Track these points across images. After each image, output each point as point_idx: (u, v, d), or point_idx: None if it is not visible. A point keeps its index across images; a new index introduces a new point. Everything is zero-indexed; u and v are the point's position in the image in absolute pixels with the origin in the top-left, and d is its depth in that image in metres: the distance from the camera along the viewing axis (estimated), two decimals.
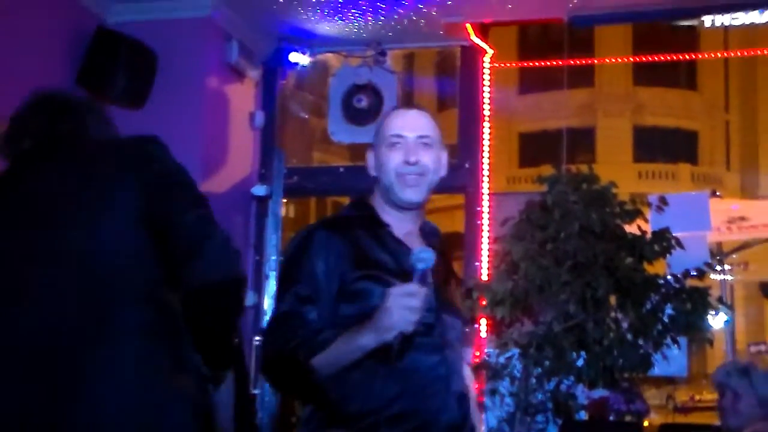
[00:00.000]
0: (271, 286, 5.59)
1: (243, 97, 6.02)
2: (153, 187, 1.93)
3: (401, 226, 2.24)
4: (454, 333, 2.20)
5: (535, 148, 23.06)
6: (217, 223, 1.95)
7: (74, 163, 1.94)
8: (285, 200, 6.12)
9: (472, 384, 2.40)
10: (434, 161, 2.24)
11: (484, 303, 4.80)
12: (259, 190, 6.00)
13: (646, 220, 4.82)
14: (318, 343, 2.02)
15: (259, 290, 5.68)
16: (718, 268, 8.23)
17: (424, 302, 1.97)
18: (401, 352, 2.01)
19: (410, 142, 2.23)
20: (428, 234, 2.28)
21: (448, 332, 2.17)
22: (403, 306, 1.95)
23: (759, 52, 10.29)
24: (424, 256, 1.99)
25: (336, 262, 2.10)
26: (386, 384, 2.04)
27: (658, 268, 4.73)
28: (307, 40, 6.05)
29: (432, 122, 2.29)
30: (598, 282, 4.42)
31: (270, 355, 2.10)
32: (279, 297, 2.14)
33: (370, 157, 2.32)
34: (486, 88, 6.08)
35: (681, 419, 11.91)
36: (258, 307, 5.65)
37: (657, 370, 4.61)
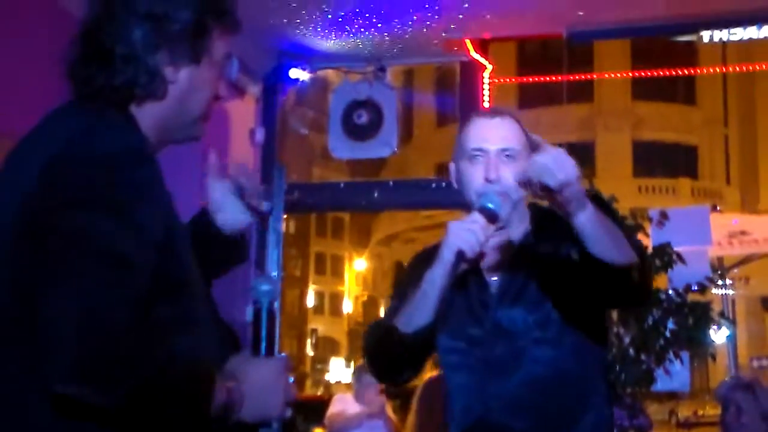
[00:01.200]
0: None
1: (243, 114, 6.03)
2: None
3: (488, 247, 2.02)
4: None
5: None
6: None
7: None
8: (285, 216, 6.12)
9: None
10: (518, 176, 1.89)
11: None
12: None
13: (647, 235, 4.81)
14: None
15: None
16: (720, 282, 8.23)
17: (485, 235, 1.90)
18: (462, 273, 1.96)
19: (492, 156, 2.03)
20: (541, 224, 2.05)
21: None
22: (462, 227, 1.90)
23: (757, 67, 10.32)
24: (493, 199, 1.93)
25: None
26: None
27: (659, 282, 4.73)
28: (307, 56, 6.07)
29: (517, 130, 2.08)
30: None
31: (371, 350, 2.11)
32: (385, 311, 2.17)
33: (451, 172, 2.15)
34: (486, 103, 6.09)
35: None
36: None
37: (659, 386, 4.60)
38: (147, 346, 1.31)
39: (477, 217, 1.91)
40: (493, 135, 2.07)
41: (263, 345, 1.59)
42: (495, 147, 2.04)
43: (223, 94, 1.70)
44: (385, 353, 2.04)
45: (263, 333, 1.60)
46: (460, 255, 1.90)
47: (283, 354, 1.62)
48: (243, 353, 1.55)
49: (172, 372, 1.33)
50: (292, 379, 1.54)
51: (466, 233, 1.89)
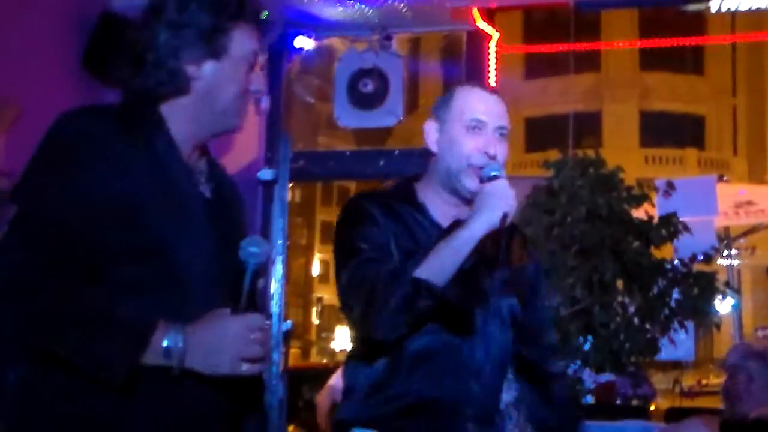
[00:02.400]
0: (278, 270, 5.60)
1: None
2: None
3: (447, 210, 2.13)
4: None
5: (541, 132, 23.04)
6: None
7: None
8: (291, 185, 6.12)
9: None
10: (505, 157, 2.09)
11: None
12: (266, 174, 6.00)
13: (653, 205, 4.81)
14: (414, 261, 1.94)
15: (266, 275, 5.69)
16: (726, 252, 8.23)
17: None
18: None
19: (490, 131, 2.09)
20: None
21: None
22: (508, 192, 1.95)
23: (766, 37, 10.22)
24: (499, 170, 1.98)
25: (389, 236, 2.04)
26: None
27: (665, 252, 4.73)
28: (313, 25, 6.03)
29: (507, 112, 2.16)
30: (604, 266, 4.41)
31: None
32: (347, 266, 2.01)
33: (431, 130, 2.14)
34: (492, 73, 6.06)
35: (688, 403, 11.91)
36: (265, 292, 5.65)
37: (664, 355, 4.61)
38: (57, 299, 1.56)
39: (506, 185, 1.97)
40: (494, 110, 2.11)
41: (242, 302, 1.66)
42: (494, 123, 2.10)
43: (254, 88, 1.82)
44: (407, 306, 1.92)
45: (244, 290, 1.66)
46: (504, 218, 1.92)
47: (258, 314, 1.68)
48: (219, 311, 1.65)
49: (77, 323, 1.57)
50: (282, 345, 1.65)
51: (511, 199, 1.94)
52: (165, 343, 1.58)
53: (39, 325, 1.55)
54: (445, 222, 2.11)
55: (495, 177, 1.98)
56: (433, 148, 2.14)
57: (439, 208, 2.13)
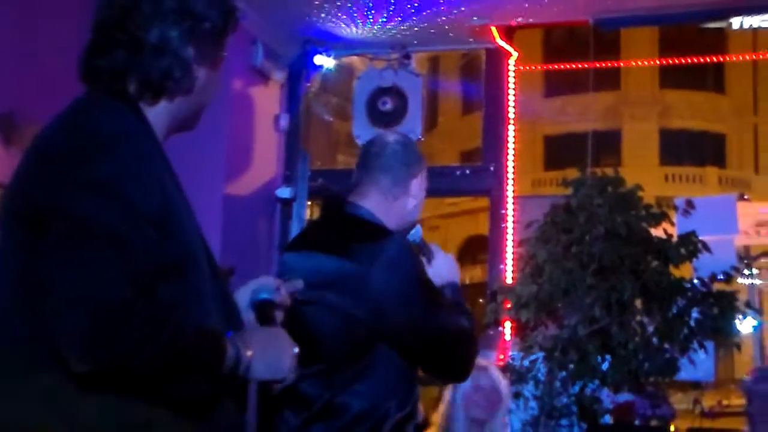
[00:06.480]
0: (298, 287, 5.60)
1: (268, 100, 6.05)
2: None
3: None
4: None
5: (560, 151, 22.95)
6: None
7: None
8: (309, 202, 6.14)
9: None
10: None
11: (508, 306, 4.78)
12: (284, 192, 6.02)
13: (673, 224, 4.78)
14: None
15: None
16: (746, 272, 8.15)
17: None
18: None
19: None
20: None
21: None
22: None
23: None
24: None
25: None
26: None
27: (684, 271, 4.70)
28: (332, 43, 6.07)
29: None
30: (623, 285, 4.39)
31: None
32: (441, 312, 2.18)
33: (419, 189, 2.37)
34: (511, 91, 6.06)
35: (708, 424, 11.75)
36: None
37: (683, 375, 4.57)
38: (153, 318, 1.37)
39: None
40: None
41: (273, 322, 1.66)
42: None
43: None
44: (467, 353, 2.23)
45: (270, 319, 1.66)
46: None
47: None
48: (249, 326, 1.62)
49: (182, 338, 1.40)
50: (296, 350, 1.58)
51: None
52: (234, 352, 1.46)
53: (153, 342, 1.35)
54: None
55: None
56: (415, 201, 2.36)
57: None
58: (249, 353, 1.48)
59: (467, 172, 6.36)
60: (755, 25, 5.67)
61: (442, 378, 2.58)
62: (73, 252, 1.35)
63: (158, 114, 1.58)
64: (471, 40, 6.05)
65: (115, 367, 1.34)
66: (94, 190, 1.39)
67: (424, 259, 2.30)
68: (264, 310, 1.66)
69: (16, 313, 1.42)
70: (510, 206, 5.88)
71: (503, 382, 3.67)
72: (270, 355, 1.53)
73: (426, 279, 2.19)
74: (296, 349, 1.57)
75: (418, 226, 2.38)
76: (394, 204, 2.31)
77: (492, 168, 6.00)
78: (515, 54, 6.05)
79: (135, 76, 1.56)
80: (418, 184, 2.35)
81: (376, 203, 2.30)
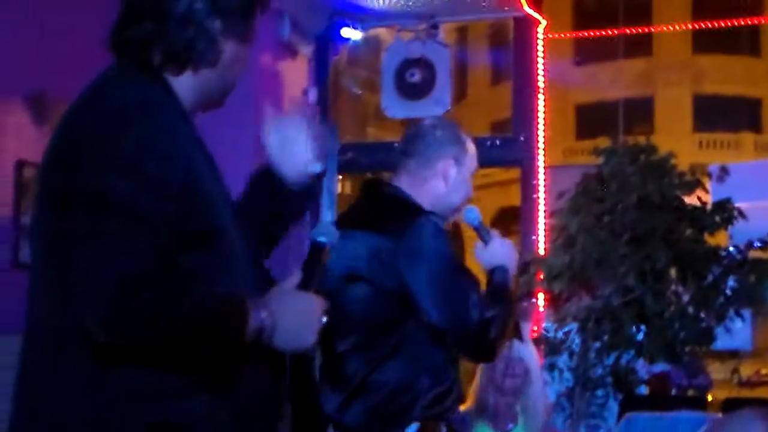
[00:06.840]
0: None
1: (296, 74, 6.03)
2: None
3: None
4: None
5: (592, 119, 22.75)
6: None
7: None
8: (340, 176, 6.14)
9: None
10: None
11: (541, 277, 4.76)
12: (314, 166, 6.02)
13: (707, 191, 4.72)
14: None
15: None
16: None
17: None
18: None
19: None
20: None
21: None
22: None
23: None
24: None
25: None
26: None
27: (719, 239, 4.64)
28: (359, 15, 6.03)
29: None
30: (657, 254, 4.34)
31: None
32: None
33: (450, 168, 2.36)
34: (540, 60, 5.99)
35: (746, 394, 11.68)
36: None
37: (720, 344, 4.54)
38: (172, 290, 1.41)
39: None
40: None
41: (313, 282, 1.61)
42: None
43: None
44: (484, 341, 2.23)
45: (314, 271, 1.64)
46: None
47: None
48: (280, 287, 1.60)
49: (202, 308, 1.43)
50: (325, 319, 1.57)
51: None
52: (256, 320, 1.46)
53: (170, 311, 1.38)
54: None
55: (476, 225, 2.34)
56: (446, 183, 2.36)
57: None
58: (271, 321, 1.48)
59: (497, 142, 6.31)
60: None
61: (469, 358, 2.58)
62: (95, 227, 1.39)
63: (183, 84, 1.59)
64: (499, 8, 5.98)
65: (136, 338, 1.38)
66: (115, 167, 1.41)
67: (480, 243, 2.34)
68: (317, 252, 1.67)
69: (48, 288, 1.48)
70: (541, 177, 5.84)
71: (532, 354, 3.67)
72: (295, 324, 1.53)
73: (450, 260, 2.22)
74: (324, 319, 1.57)
75: (475, 209, 2.37)
76: (424, 186, 2.35)
77: (522, 138, 5.95)
78: (544, 22, 5.97)
79: (160, 46, 1.57)
80: (450, 166, 2.36)
81: (406, 185, 2.35)
